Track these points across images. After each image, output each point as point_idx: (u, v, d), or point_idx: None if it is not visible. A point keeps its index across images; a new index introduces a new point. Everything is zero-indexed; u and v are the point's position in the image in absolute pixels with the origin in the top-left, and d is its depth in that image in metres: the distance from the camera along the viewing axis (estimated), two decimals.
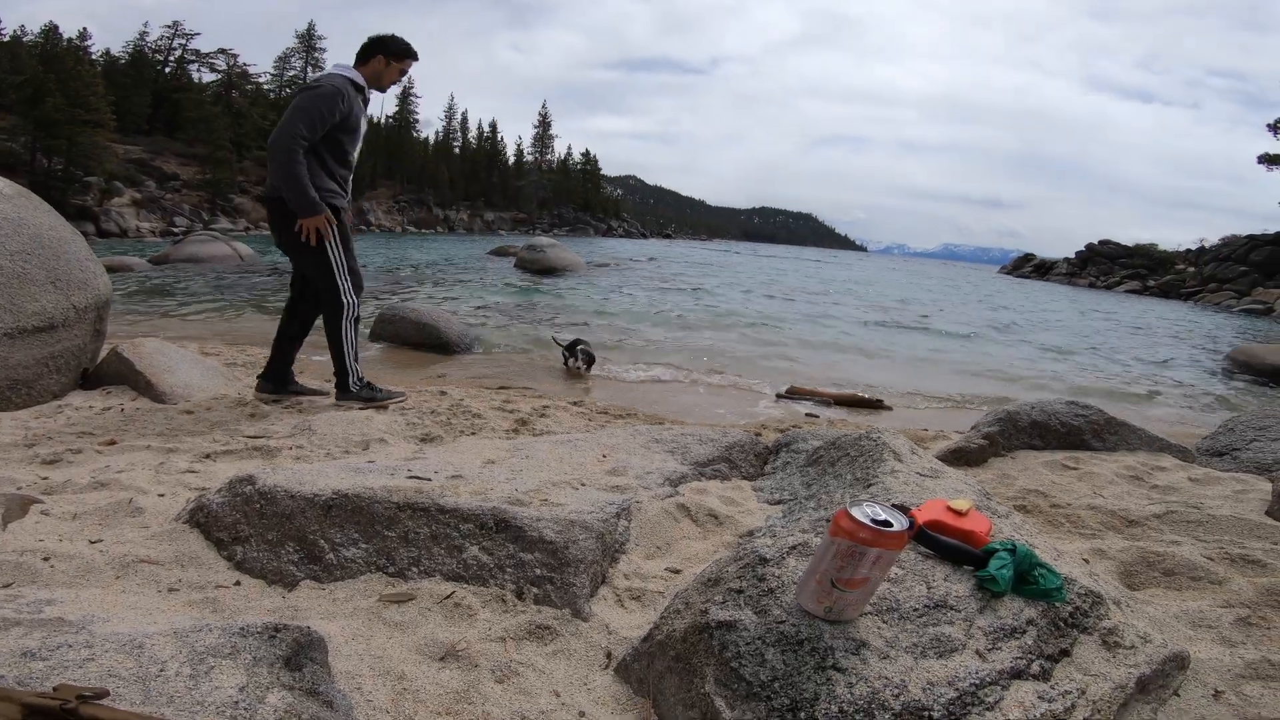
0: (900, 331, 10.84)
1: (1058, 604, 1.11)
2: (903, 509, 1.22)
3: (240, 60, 50.46)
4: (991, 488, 2.84)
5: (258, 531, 1.48)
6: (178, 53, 47.52)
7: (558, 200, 68.73)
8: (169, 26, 48.44)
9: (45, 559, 1.42)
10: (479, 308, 9.27)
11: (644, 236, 77.83)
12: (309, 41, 49.47)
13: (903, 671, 0.93)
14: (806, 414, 4.60)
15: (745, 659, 0.98)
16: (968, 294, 22.60)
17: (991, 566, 1.07)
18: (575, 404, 3.88)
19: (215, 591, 1.38)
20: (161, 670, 0.83)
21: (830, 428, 3.86)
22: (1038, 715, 0.93)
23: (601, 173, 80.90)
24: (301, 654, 0.94)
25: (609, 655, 1.30)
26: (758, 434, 3.34)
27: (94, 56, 38.79)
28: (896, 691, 0.91)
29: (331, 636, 1.20)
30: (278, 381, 3.20)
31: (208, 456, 2.26)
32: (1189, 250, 32.22)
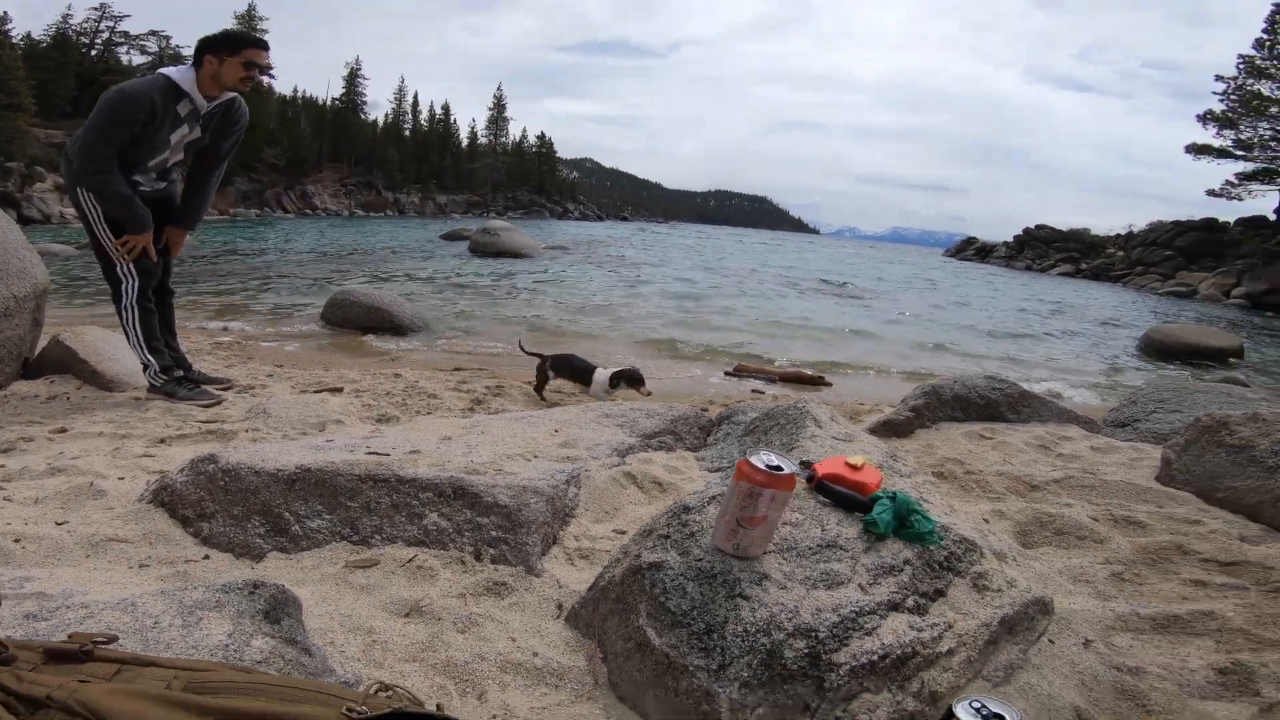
0: (849, 311, 11.22)
1: (932, 547, 1.27)
2: (807, 464, 1.39)
3: (173, 43, 47.96)
4: (915, 456, 3.04)
5: (223, 507, 1.56)
6: (105, 35, 44.88)
7: (512, 183, 67.77)
8: (96, 9, 45.60)
9: (15, 540, 1.47)
10: (432, 291, 9.22)
11: (600, 219, 77.50)
12: (249, 23, 47.14)
13: (797, 599, 1.09)
14: (753, 390, 4.81)
15: (670, 593, 1.13)
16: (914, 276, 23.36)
17: (874, 511, 1.24)
18: (529, 383, 3.98)
19: (185, 565, 1.47)
20: (156, 623, 0.93)
21: (774, 403, 4.07)
22: (906, 641, 1.08)
23: (557, 155, 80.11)
24: (279, 609, 1.05)
25: (560, 606, 1.43)
26: (704, 409, 3.51)
27: (15, 40, 36.44)
28: (790, 615, 1.06)
29: (302, 600, 1.30)
30: (184, 367, 3.16)
31: (162, 441, 2.30)
32: (1119, 235, 33.81)
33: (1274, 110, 31.71)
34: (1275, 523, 2.27)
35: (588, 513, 1.89)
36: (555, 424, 2.63)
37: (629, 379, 3.49)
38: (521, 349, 3.98)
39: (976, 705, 0.86)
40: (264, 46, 2.85)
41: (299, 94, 55.40)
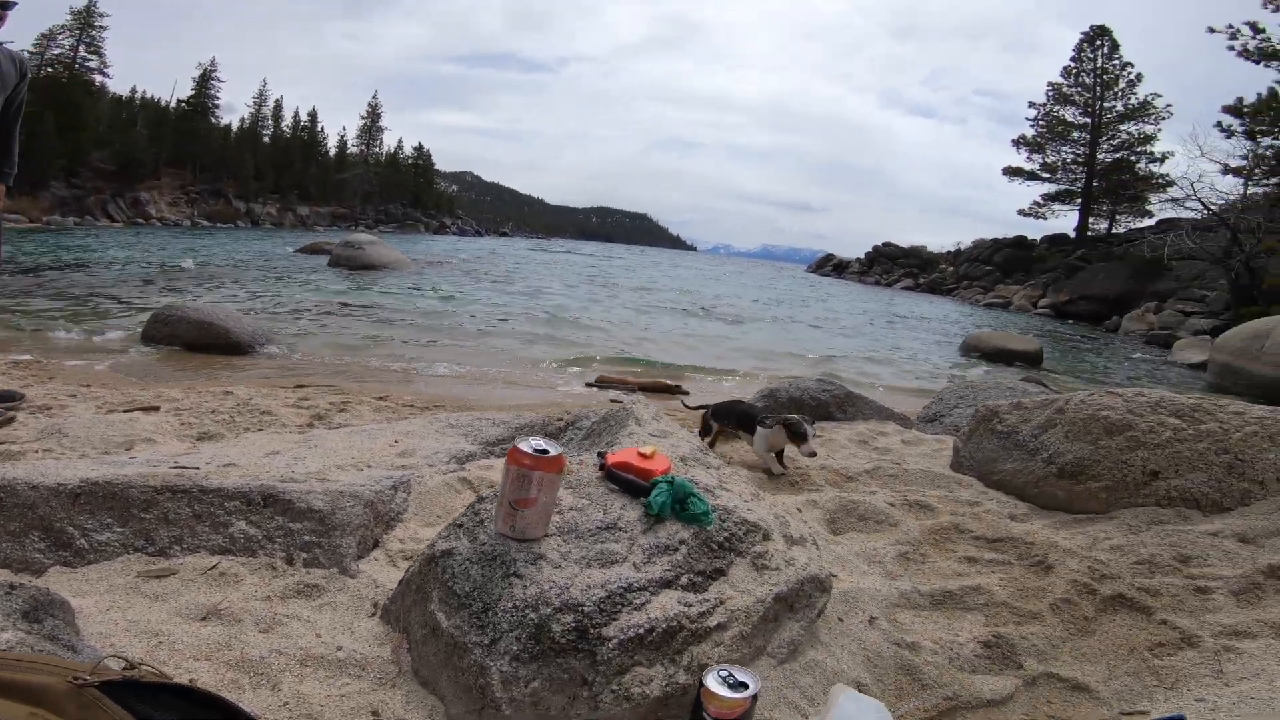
0: (710, 324, 11.79)
1: (710, 528, 1.35)
2: (602, 454, 1.52)
3: None
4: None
5: None
6: None
7: (385, 195, 64.65)
8: None
9: None
10: (279, 307, 8.62)
11: (479, 234, 75.73)
12: (86, 19, 41.74)
13: (569, 577, 1.16)
14: (611, 399, 4.97)
15: (457, 578, 1.20)
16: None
17: (651, 494, 1.35)
18: (381, 399, 3.89)
19: None
20: None
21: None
22: (673, 615, 1.15)
23: (436, 168, 77.53)
24: (41, 610, 1.02)
25: (376, 605, 1.46)
26: (560, 418, 3.60)
27: None
28: (559, 591, 1.12)
29: (83, 609, 1.25)
30: None
31: None
32: (949, 252, 37.56)
33: (1074, 135, 35.73)
34: (1039, 501, 2.61)
35: (416, 517, 1.92)
36: (397, 435, 2.62)
37: (788, 428, 2.66)
38: (684, 405, 3.25)
39: (724, 674, 1.00)
40: None
41: (138, 94, 49.94)
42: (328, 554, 1.53)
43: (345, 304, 9.44)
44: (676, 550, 1.28)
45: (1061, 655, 1.49)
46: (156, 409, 2.88)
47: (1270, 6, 20.83)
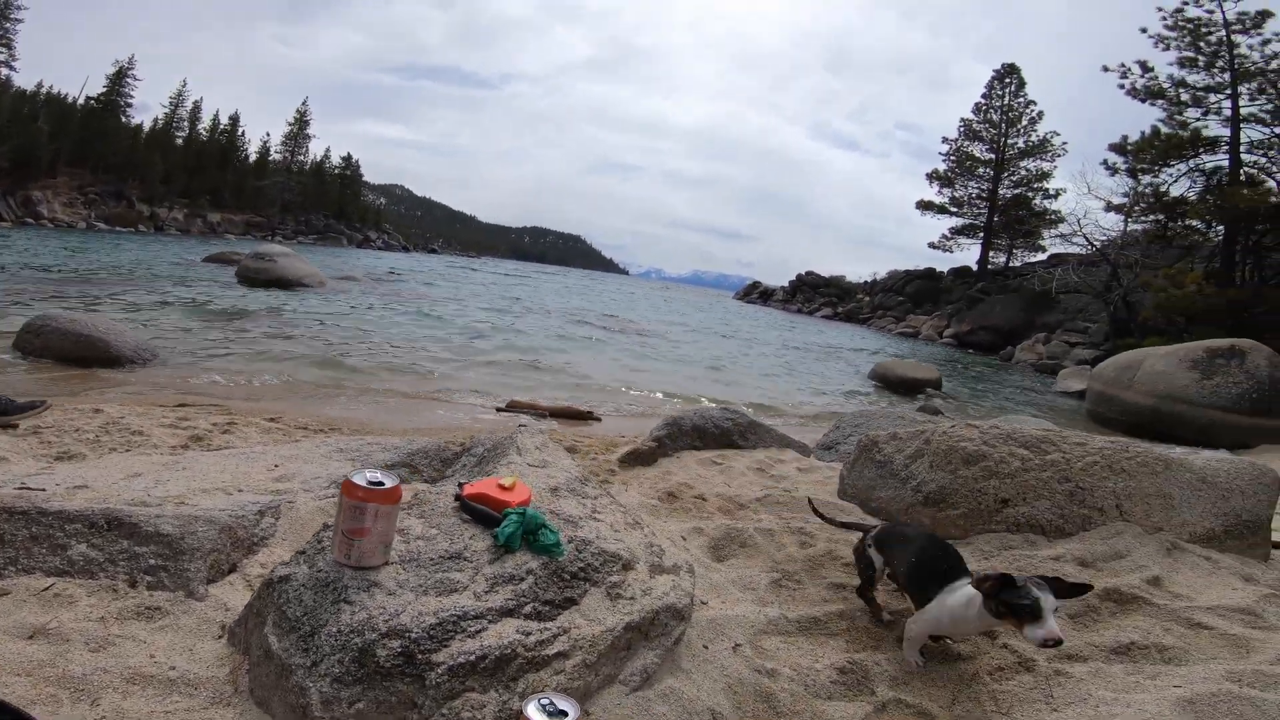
0: (636, 352, 11.91)
1: (560, 559, 1.37)
2: (460, 485, 1.55)
3: None
4: (651, 483, 3.31)
5: None
6: None
7: (308, 205, 62.00)
8: None
9: None
10: (173, 321, 8.08)
11: (406, 250, 73.65)
12: (1, 11, 38.67)
13: (402, 604, 1.18)
14: (520, 425, 4.94)
15: (291, 602, 1.21)
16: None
17: (500, 526, 1.37)
18: (272, 420, 3.75)
19: None
20: None
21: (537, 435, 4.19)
22: (508, 643, 1.17)
23: (364, 180, 75.16)
24: None
25: (224, 628, 1.43)
26: (463, 443, 3.54)
27: None
28: (389, 618, 1.14)
29: None
30: None
31: None
32: (866, 282, 38.80)
33: (980, 170, 37.15)
34: None
35: (285, 542, 1.87)
36: (278, 459, 2.54)
37: (1008, 600, 1.42)
38: (816, 513, 2.32)
39: (544, 701, 1.00)
40: None
41: (43, 89, 46.55)
42: (174, 577, 1.50)
43: (246, 320, 8.99)
44: (523, 580, 1.31)
45: (912, 681, 1.52)
46: (14, 426, 2.69)
47: (1160, 46, 22.07)
